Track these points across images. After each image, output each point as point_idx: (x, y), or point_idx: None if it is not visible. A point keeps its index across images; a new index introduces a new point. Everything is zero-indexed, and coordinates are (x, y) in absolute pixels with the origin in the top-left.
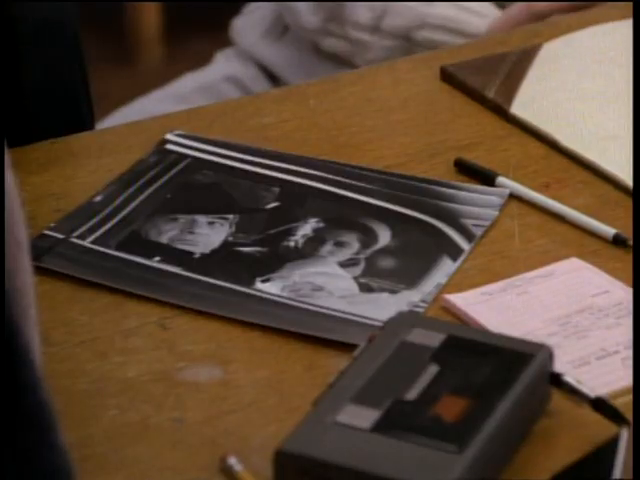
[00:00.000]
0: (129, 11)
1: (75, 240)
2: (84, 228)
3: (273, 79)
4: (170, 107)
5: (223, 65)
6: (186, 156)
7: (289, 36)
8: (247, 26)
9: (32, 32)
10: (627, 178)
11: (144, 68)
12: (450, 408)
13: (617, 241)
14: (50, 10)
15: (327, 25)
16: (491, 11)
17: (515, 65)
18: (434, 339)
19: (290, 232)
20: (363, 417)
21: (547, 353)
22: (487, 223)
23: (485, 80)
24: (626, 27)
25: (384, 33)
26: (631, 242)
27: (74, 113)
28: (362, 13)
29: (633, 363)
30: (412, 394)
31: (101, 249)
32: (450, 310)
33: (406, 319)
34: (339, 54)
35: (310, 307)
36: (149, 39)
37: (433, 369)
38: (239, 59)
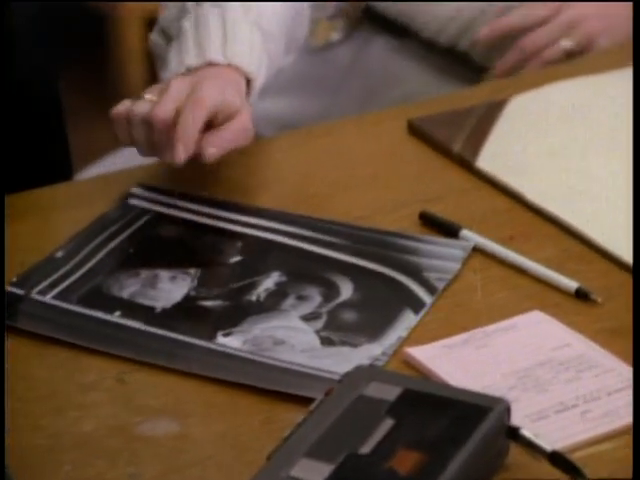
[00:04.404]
0: (114, 63)
1: (36, 296)
2: (45, 283)
3: None
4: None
5: None
6: (149, 210)
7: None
8: None
9: (14, 87)
10: (590, 232)
11: None
12: (404, 462)
13: (579, 295)
14: (32, 68)
15: None
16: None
17: (482, 119)
18: (391, 393)
19: (252, 286)
20: (317, 471)
21: (504, 407)
22: (449, 276)
23: (451, 134)
24: (593, 83)
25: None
26: (593, 296)
27: (50, 164)
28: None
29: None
30: (366, 448)
31: (62, 305)
32: (411, 363)
33: (364, 373)
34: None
35: (270, 361)
36: (134, 91)
37: (388, 423)
38: None
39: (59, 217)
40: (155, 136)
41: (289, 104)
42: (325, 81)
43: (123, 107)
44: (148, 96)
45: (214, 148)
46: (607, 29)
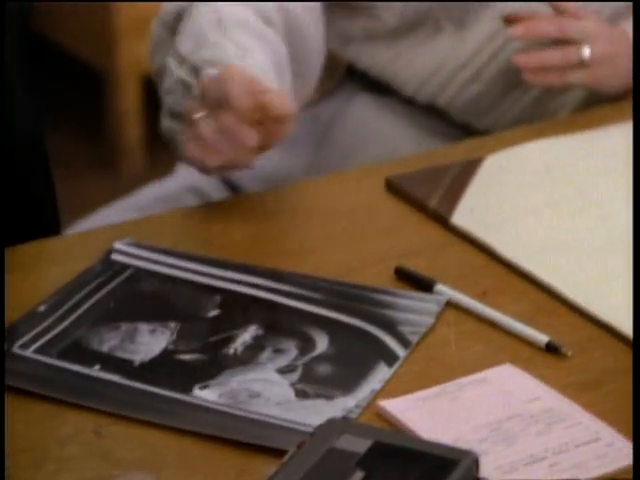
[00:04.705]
0: (111, 118)
1: (17, 351)
2: (27, 337)
3: (233, 188)
4: (130, 217)
5: (184, 176)
6: (131, 265)
7: None
8: None
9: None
10: (562, 287)
11: (126, 175)
12: None
13: (550, 348)
14: (19, 122)
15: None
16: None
17: (458, 176)
18: (361, 445)
19: (230, 339)
20: None
21: (472, 459)
22: (424, 330)
23: (428, 191)
24: (568, 141)
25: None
26: (563, 350)
27: (38, 219)
28: (185, 42)
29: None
30: None
31: (42, 359)
32: (384, 416)
33: (336, 425)
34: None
35: (246, 414)
36: (131, 146)
37: (358, 475)
38: None
39: (44, 272)
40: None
41: (273, 159)
42: (308, 137)
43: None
44: (199, 115)
45: None
46: (612, 75)
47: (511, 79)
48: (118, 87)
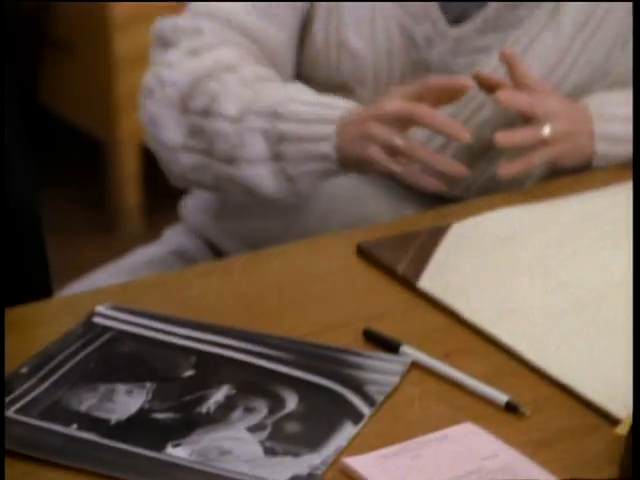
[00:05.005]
0: (111, 185)
1: None
2: (9, 398)
3: (217, 252)
4: (120, 279)
5: (171, 240)
6: (111, 328)
7: (231, 212)
8: (195, 205)
9: None
10: (522, 349)
11: (125, 238)
12: None
13: (509, 407)
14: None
15: (188, 141)
16: (346, 103)
17: (425, 243)
18: None
19: (203, 399)
20: None
21: None
22: (388, 389)
23: (397, 256)
24: (530, 210)
25: (245, 129)
26: (522, 409)
27: (27, 283)
28: (229, 106)
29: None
30: None
31: (22, 419)
32: (348, 473)
33: None
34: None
35: (216, 471)
36: (130, 211)
37: None
38: (186, 234)
39: (30, 334)
40: None
41: (255, 222)
42: (288, 201)
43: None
44: (400, 141)
45: None
46: (573, 151)
47: (478, 150)
48: (118, 155)
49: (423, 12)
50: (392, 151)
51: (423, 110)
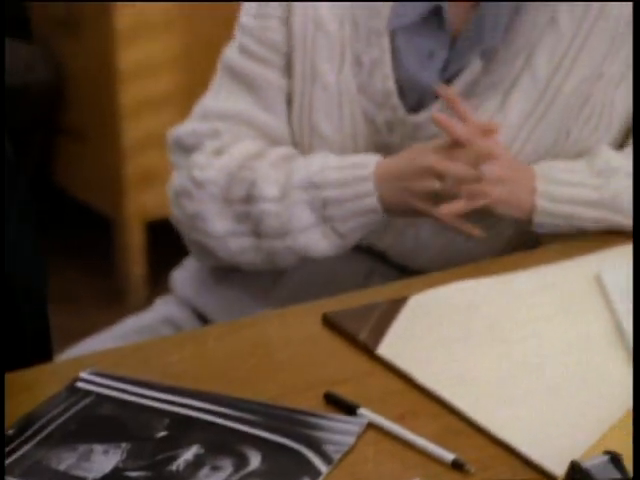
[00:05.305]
0: (118, 258)
1: None
2: None
3: (203, 320)
4: (112, 345)
5: (162, 309)
6: (92, 392)
7: (215, 284)
8: (183, 277)
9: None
10: (470, 411)
11: (131, 308)
12: None
13: (455, 465)
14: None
15: (233, 226)
16: (372, 159)
17: (385, 313)
18: None
19: (174, 458)
20: None
21: None
22: (345, 448)
23: (359, 325)
24: (482, 284)
25: (289, 204)
26: (467, 467)
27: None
28: (269, 189)
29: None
30: None
31: (6, 478)
32: None
33: None
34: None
35: None
36: (135, 283)
37: None
38: (175, 304)
39: (20, 398)
40: None
41: (234, 294)
42: (267, 272)
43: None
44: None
45: None
46: (510, 200)
47: (439, 228)
48: (124, 230)
49: (384, 100)
50: (434, 196)
51: (456, 169)
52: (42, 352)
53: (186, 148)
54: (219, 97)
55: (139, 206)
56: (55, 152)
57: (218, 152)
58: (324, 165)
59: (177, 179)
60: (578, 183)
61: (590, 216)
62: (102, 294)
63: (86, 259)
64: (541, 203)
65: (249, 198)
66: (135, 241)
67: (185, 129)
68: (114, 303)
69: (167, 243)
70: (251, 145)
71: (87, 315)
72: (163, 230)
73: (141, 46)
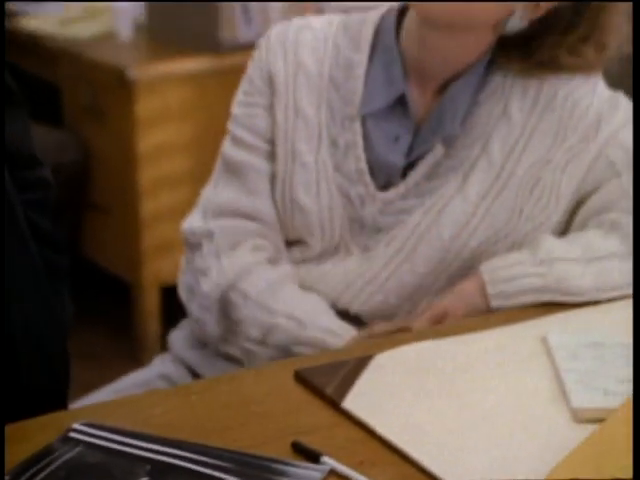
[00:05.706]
0: (136, 320)
1: None
2: None
3: (195, 375)
4: (113, 398)
5: (159, 366)
6: (82, 441)
7: (206, 344)
8: (180, 338)
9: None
10: (425, 460)
11: (146, 363)
12: None
13: None
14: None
15: (226, 335)
16: (347, 332)
17: (351, 370)
18: None
19: None
20: None
21: None
22: None
23: (327, 380)
24: (440, 344)
25: (269, 346)
26: None
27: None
28: (252, 330)
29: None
30: None
31: None
32: None
33: None
34: (236, 358)
35: None
36: (152, 342)
37: None
38: (172, 361)
39: (20, 447)
40: None
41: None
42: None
43: None
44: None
45: None
46: (466, 312)
47: (405, 292)
48: (142, 294)
49: (357, 178)
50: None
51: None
52: (59, 402)
53: (190, 246)
54: (216, 189)
55: (155, 272)
56: (82, 225)
57: (216, 255)
58: (306, 323)
59: (186, 275)
60: (524, 275)
61: (540, 299)
62: (121, 351)
63: (107, 319)
64: (495, 303)
65: (235, 331)
66: (151, 303)
67: (188, 226)
68: (131, 359)
69: (180, 306)
70: (243, 258)
71: (107, 370)
72: (177, 294)
73: (159, 132)
